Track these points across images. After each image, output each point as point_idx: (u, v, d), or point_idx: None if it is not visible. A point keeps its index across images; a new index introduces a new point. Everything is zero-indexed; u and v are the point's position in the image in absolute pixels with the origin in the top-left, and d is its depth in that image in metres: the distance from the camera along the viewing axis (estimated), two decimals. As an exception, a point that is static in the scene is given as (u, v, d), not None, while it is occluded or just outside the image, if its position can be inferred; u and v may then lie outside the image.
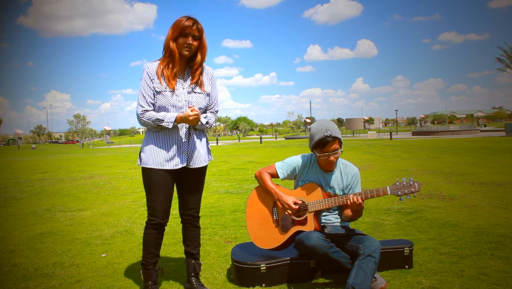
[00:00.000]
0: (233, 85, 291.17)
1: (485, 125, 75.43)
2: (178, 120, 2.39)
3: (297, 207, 2.63)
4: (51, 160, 20.76)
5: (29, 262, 3.33)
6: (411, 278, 2.67)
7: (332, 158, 2.60)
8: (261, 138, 44.22)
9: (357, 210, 2.56)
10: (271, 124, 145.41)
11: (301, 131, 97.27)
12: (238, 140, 53.17)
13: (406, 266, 2.87)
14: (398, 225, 4.12)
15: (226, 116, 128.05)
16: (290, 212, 2.63)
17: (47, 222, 4.94)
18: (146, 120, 2.41)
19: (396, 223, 4.18)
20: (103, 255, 3.48)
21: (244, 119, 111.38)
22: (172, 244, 3.71)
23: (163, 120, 2.38)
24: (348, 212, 2.70)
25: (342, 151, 2.64)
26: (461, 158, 11.76)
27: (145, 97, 2.41)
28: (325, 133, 2.55)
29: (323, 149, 2.58)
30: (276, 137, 58.93)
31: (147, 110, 2.41)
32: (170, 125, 2.38)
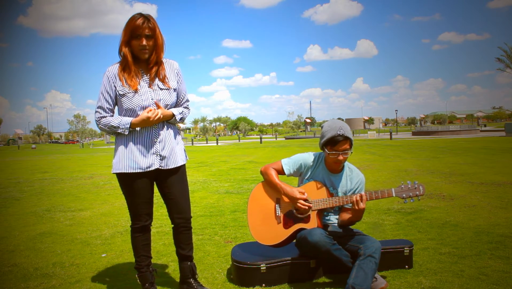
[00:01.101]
0: (233, 85, 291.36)
1: (485, 125, 75.38)
2: (135, 124, 2.31)
3: (305, 196, 2.62)
4: (51, 160, 20.76)
5: (29, 262, 3.33)
6: (411, 278, 2.67)
7: (341, 157, 2.60)
8: (261, 138, 44.25)
9: (357, 211, 2.55)
10: (271, 124, 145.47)
11: (301, 131, 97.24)
12: (238, 141, 53.18)
13: (406, 266, 2.87)
14: (398, 225, 4.12)
15: (226, 116, 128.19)
16: (301, 204, 2.59)
17: (47, 222, 4.94)
18: (103, 127, 2.37)
19: (396, 223, 4.18)
20: (103, 255, 3.48)
21: (244, 119, 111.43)
22: (172, 244, 3.69)
23: (119, 126, 2.32)
24: (345, 216, 2.69)
25: (352, 152, 2.65)
26: (461, 158, 11.75)
27: (102, 103, 2.36)
28: (338, 132, 2.56)
29: (334, 147, 2.58)
30: (276, 138, 58.94)
31: (104, 117, 2.36)
32: (126, 132, 2.32)
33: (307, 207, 2.61)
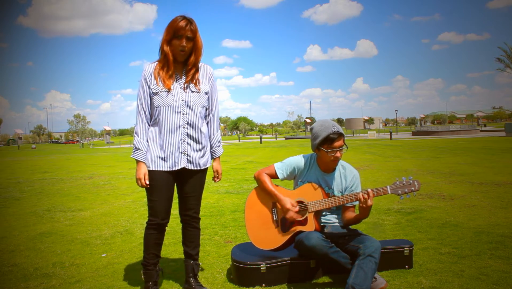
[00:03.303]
0: (233, 85, 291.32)
1: (485, 125, 75.36)
2: (137, 166, 2.45)
3: (297, 208, 2.63)
4: (51, 160, 20.76)
5: (29, 262, 3.33)
6: (411, 278, 2.67)
7: (338, 154, 2.63)
8: (261, 138, 44.24)
9: (366, 209, 2.53)
10: (271, 124, 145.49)
11: (301, 131, 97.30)
12: (238, 141, 53.16)
13: (406, 266, 2.87)
14: (398, 225, 4.12)
15: (226, 116, 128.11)
16: (290, 216, 2.64)
17: (47, 222, 4.94)
18: (135, 132, 2.49)
19: (396, 223, 4.18)
20: (103, 255, 3.48)
21: (244, 119, 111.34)
22: (172, 244, 3.71)
23: (135, 150, 2.45)
24: (350, 215, 2.69)
25: (347, 148, 2.67)
26: (461, 158, 11.75)
27: (142, 104, 2.44)
28: (333, 129, 2.59)
29: (331, 145, 2.60)
30: (276, 138, 58.93)
31: (142, 122, 2.45)
32: (132, 156, 2.46)
33: (294, 219, 2.64)
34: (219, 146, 2.66)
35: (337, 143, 2.60)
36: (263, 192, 2.79)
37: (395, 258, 2.86)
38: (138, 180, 2.44)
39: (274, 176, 2.80)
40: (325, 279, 2.75)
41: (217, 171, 2.65)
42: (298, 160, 2.80)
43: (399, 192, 2.52)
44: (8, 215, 5.48)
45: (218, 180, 2.67)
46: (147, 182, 2.43)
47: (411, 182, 2.53)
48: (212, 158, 2.65)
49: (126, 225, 4.58)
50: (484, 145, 18.65)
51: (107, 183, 8.88)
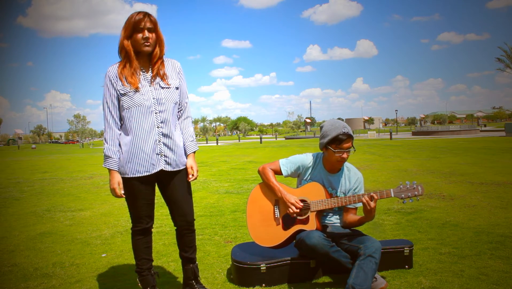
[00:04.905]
0: (233, 85, 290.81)
1: (485, 125, 75.37)
2: (110, 175, 2.32)
3: (301, 205, 2.63)
4: (51, 160, 20.76)
5: (29, 262, 3.33)
6: (411, 278, 2.67)
7: (345, 155, 2.63)
8: (261, 138, 44.24)
9: (369, 211, 2.52)
10: (271, 124, 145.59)
11: (301, 131, 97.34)
12: (238, 141, 53.18)
13: (406, 266, 2.87)
14: (398, 225, 4.12)
15: (226, 116, 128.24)
16: (292, 210, 2.63)
17: (47, 222, 4.94)
18: (104, 139, 2.36)
19: (396, 223, 4.19)
20: (103, 255, 3.48)
21: (244, 119, 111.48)
22: (172, 244, 3.71)
23: (105, 158, 2.31)
24: (351, 217, 2.69)
25: (355, 150, 2.66)
26: (461, 158, 11.76)
27: (109, 108, 2.33)
28: (343, 130, 2.59)
29: (339, 146, 2.60)
30: (276, 138, 58.95)
31: (110, 128, 2.33)
32: (103, 165, 2.34)
33: (295, 213, 2.64)
34: (192, 141, 2.52)
35: (345, 145, 2.60)
36: (267, 188, 2.78)
37: (395, 258, 2.86)
38: (112, 190, 2.30)
39: (278, 172, 2.79)
40: (325, 279, 2.75)
41: (191, 167, 2.44)
42: (303, 159, 2.79)
43: (402, 195, 2.52)
44: (8, 215, 5.48)
45: (193, 177, 2.44)
46: (123, 192, 2.31)
47: (414, 186, 2.52)
48: (186, 154, 2.48)
49: (126, 225, 4.58)
50: (484, 145, 18.65)
51: (107, 183, 8.87)
